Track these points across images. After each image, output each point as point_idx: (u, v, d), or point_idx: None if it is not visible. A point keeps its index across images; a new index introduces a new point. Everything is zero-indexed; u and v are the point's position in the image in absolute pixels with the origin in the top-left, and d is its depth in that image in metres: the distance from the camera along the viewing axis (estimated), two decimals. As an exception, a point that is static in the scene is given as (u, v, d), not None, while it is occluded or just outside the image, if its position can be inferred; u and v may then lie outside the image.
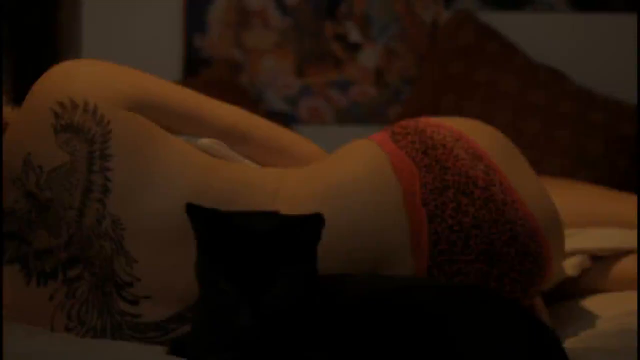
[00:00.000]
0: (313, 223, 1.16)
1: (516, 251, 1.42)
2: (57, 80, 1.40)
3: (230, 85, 2.83)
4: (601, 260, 1.85)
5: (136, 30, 2.92)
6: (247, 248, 1.14)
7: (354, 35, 2.92)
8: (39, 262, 1.39)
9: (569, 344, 1.41)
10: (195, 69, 2.91)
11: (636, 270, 1.77)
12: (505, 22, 2.87)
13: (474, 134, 1.51)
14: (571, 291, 1.81)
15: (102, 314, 1.37)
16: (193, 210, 1.17)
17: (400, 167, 1.43)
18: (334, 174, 1.44)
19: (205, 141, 1.47)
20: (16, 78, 2.73)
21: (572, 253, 1.81)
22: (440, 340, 1.17)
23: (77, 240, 1.36)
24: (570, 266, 1.80)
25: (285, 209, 1.27)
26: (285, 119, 2.83)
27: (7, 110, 1.51)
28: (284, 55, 2.92)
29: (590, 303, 1.72)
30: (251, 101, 2.80)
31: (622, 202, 2.09)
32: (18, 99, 1.55)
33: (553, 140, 2.61)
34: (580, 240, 1.86)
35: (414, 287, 1.27)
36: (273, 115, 2.57)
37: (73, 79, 1.40)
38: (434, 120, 1.53)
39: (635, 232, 1.87)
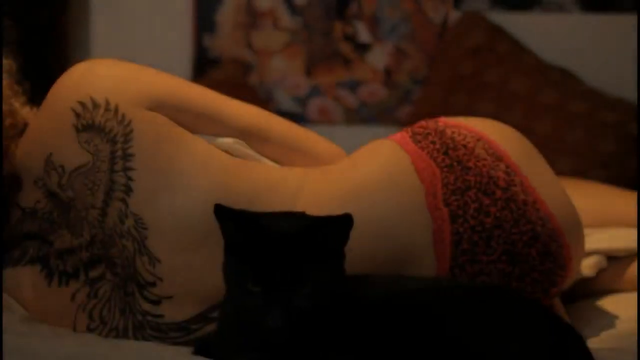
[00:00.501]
0: (341, 224, 1.16)
1: (537, 251, 1.42)
2: (77, 80, 1.40)
3: (239, 85, 2.82)
4: (617, 260, 1.85)
5: (145, 30, 2.92)
6: (275, 249, 1.14)
7: (364, 36, 2.92)
8: (61, 262, 1.39)
9: (591, 344, 1.41)
10: (204, 69, 2.91)
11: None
12: (514, 23, 2.87)
13: (493, 135, 1.51)
14: (587, 291, 1.81)
15: (124, 314, 1.37)
16: (221, 211, 1.16)
17: (422, 167, 1.43)
18: (356, 174, 1.44)
19: (225, 140, 1.47)
20: (24, 78, 2.73)
21: (588, 253, 1.81)
22: (466, 341, 1.17)
23: (99, 240, 1.36)
24: (587, 266, 1.80)
25: (306, 209, 1.27)
26: (295, 119, 2.82)
27: (26, 110, 1.51)
28: (293, 55, 2.92)
29: (608, 303, 1.72)
30: (260, 101, 2.80)
31: (634, 202, 2.09)
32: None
33: (564, 140, 2.61)
34: (595, 240, 1.86)
35: (437, 287, 1.28)
36: (282, 116, 2.56)
37: (93, 78, 1.40)
38: (454, 120, 1.53)
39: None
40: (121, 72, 1.42)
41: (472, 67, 2.76)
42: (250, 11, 2.91)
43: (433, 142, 1.47)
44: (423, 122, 1.54)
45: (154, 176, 1.35)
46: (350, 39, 2.92)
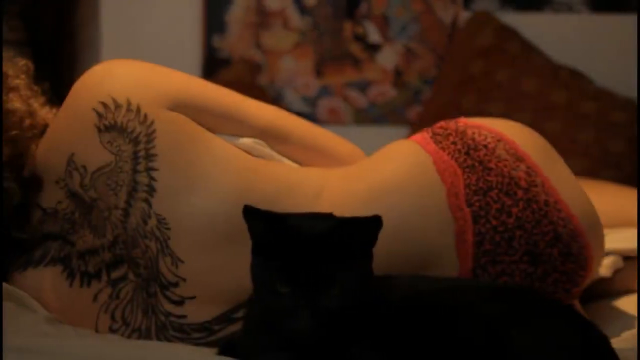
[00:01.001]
0: (370, 225, 1.16)
1: (559, 251, 1.42)
2: (97, 81, 1.40)
3: (249, 85, 2.82)
4: (633, 260, 1.85)
5: (155, 30, 2.92)
6: (303, 250, 1.13)
7: (373, 36, 2.92)
8: (82, 263, 1.39)
9: (613, 345, 1.41)
10: (214, 70, 2.90)
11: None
12: (523, 23, 2.87)
13: (513, 135, 1.51)
14: (604, 292, 1.81)
15: (147, 315, 1.36)
16: (249, 212, 1.16)
17: (443, 168, 1.43)
18: (377, 174, 1.44)
19: (245, 141, 1.47)
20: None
21: (605, 253, 1.81)
22: (493, 341, 1.17)
23: (122, 240, 1.36)
24: (603, 267, 1.79)
25: (328, 209, 1.27)
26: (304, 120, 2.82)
27: (45, 110, 1.51)
28: (303, 55, 2.91)
29: (625, 304, 1.72)
30: (270, 102, 2.79)
31: (645, 202, 2.09)
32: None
33: (575, 140, 2.61)
34: (611, 240, 1.86)
35: (462, 287, 1.27)
36: (292, 116, 2.56)
37: (114, 78, 1.40)
38: (473, 121, 1.53)
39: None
40: (141, 73, 1.43)
41: (482, 67, 2.76)
42: (260, 11, 2.91)
43: (454, 143, 1.46)
44: (443, 123, 1.53)
45: (177, 176, 1.34)
46: (360, 39, 2.92)
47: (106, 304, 1.38)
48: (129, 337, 1.35)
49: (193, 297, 1.35)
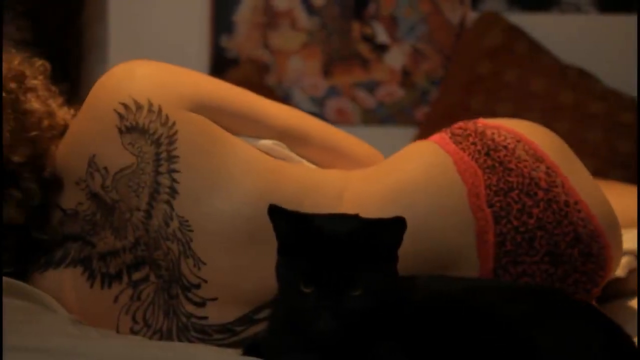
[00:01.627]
0: (395, 226, 1.16)
1: (579, 252, 1.42)
2: (117, 81, 1.40)
3: (257, 85, 2.81)
4: (647, 260, 1.85)
5: (162, 31, 2.92)
6: (328, 250, 1.13)
7: (381, 36, 2.92)
8: (103, 264, 1.39)
9: (634, 345, 1.41)
10: (222, 70, 2.90)
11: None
12: (531, 23, 2.88)
13: (532, 136, 1.51)
14: (618, 292, 1.81)
15: (168, 316, 1.36)
16: (274, 211, 1.16)
17: (464, 168, 1.43)
18: (397, 175, 1.44)
19: (265, 142, 1.47)
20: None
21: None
22: (517, 342, 1.17)
23: (143, 242, 1.36)
24: (619, 267, 1.80)
25: (350, 210, 1.27)
26: (312, 120, 2.83)
27: (64, 111, 1.51)
28: (311, 55, 2.92)
29: (641, 304, 1.72)
30: (278, 102, 2.79)
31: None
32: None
33: (583, 141, 2.62)
34: (625, 240, 1.86)
35: (485, 288, 1.28)
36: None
37: (134, 79, 1.40)
38: (492, 121, 1.53)
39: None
40: (162, 74, 1.42)
41: (490, 68, 2.76)
42: (268, 11, 2.91)
43: (474, 144, 1.46)
44: (461, 123, 1.53)
45: (199, 178, 1.34)
46: (368, 39, 2.92)
47: (127, 305, 1.37)
48: (150, 338, 1.35)
49: (215, 299, 1.35)
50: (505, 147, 1.46)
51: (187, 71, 1.48)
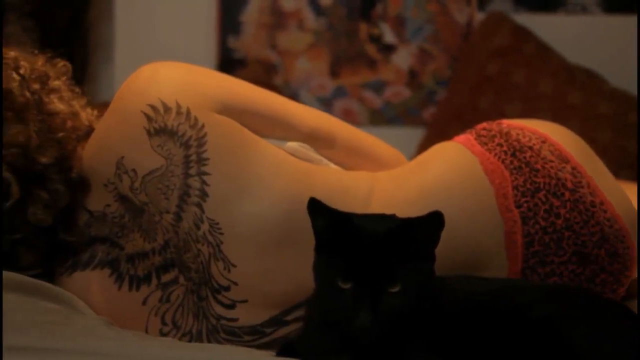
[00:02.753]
0: (433, 222, 1.16)
1: (606, 252, 1.43)
2: (144, 83, 1.39)
3: (264, 86, 2.79)
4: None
5: (169, 31, 2.91)
6: (367, 247, 1.13)
7: (388, 37, 2.92)
8: (132, 266, 1.38)
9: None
10: (229, 70, 2.89)
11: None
12: (537, 24, 2.88)
13: (556, 136, 1.51)
14: (634, 292, 1.82)
15: (198, 318, 1.36)
16: (314, 206, 1.16)
17: (491, 169, 1.44)
18: (425, 176, 1.44)
19: (292, 144, 1.46)
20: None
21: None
22: (551, 342, 1.17)
23: (173, 244, 1.35)
24: (636, 267, 1.80)
25: (379, 212, 1.27)
26: (319, 120, 2.82)
27: (88, 112, 1.50)
28: (318, 56, 2.92)
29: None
30: (287, 102, 2.79)
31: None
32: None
33: (593, 141, 2.60)
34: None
35: (517, 288, 1.28)
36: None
37: (161, 81, 1.39)
38: (516, 122, 1.54)
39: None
40: (188, 75, 1.42)
41: (498, 68, 2.77)
42: (275, 12, 2.90)
43: (500, 145, 1.47)
44: (485, 124, 1.54)
45: (229, 181, 1.34)
46: (375, 40, 2.92)
47: (156, 307, 1.37)
48: (179, 340, 1.35)
49: (245, 301, 1.35)
50: (530, 147, 1.47)
51: (212, 72, 1.48)
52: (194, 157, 1.34)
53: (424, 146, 2.75)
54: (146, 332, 1.36)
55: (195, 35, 2.91)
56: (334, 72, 2.92)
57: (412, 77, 2.93)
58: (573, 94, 2.70)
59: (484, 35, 2.84)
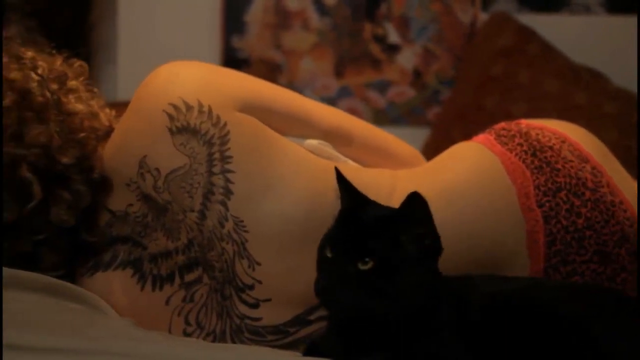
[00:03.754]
0: (413, 204, 1.19)
1: (626, 251, 1.44)
2: (164, 83, 1.38)
3: (269, 86, 2.81)
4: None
5: (173, 31, 2.90)
6: (356, 225, 1.19)
7: (392, 37, 2.92)
8: (154, 266, 1.38)
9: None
10: (233, 70, 2.89)
11: None
12: (541, 24, 2.89)
13: (575, 136, 1.52)
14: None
15: (221, 318, 1.35)
16: (339, 177, 1.23)
17: (512, 169, 1.44)
18: (447, 176, 1.44)
19: (311, 142, 1.46)
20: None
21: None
22: (582, 342, 1.18)
23: (197, 243, 1.35)
24: None
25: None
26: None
27: (106, 112, 1.50)
28: (322, 56, 2.91)
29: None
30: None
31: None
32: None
33: (598, 141, 2.63)
34: None
35: (542, 286, 1.28)
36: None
37: (181, 80, 1.38)
38: (534, 122, 1.54)
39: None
40: (208, 74, 1.42)
41: (503, 68, 2.77)
42: (279, 12, 2.90)
43: (520, 144, 1.47)
44: (504, 124, 1.54)
45: (253, 179, 1.34)
46: (380, 40, 2.92)
47: (179, 307, 1.37)
48: (203, 340, 1.35)
49: (268, 300, 1.35)
50: (550, 147, 1.47)
51: (231, 71, 1.47)
52: (217, 155, 1.34)
53: (428, 146, 2.75)
54: (169, 332, 1.36)
55: (199, 35, 2.91)
56: (338, 72, 2.92)
57: (416, 77, 2.93)
58: (578, 94, 2.70)
59: (488, 35, 2.84)
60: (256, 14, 2.90)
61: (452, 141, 2.57)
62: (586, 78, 2.74)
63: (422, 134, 2.87)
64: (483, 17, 2.91)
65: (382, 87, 2.94)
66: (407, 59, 2.92)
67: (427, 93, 2.94)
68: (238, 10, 2.90)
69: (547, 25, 2.88)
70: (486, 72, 2.79)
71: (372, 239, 1.17)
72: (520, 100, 2.71)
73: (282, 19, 2.91)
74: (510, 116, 2.49)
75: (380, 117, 2.94)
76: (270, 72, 2.90)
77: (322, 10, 2.91)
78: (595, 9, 2.92)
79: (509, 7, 2.91)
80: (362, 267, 1.16)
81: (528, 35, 2.81)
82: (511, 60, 2.77)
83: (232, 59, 2.90)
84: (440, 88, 2.94)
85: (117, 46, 2.90)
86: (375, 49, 2.92)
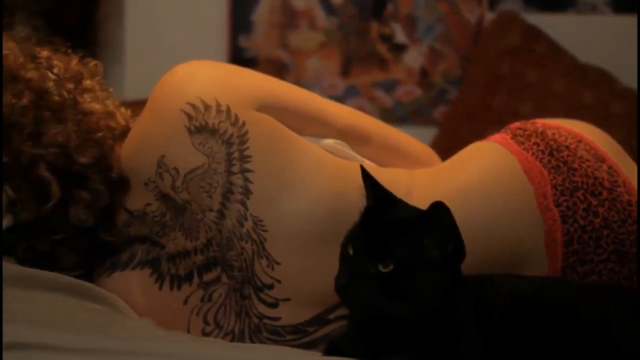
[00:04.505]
0: (438, 213, 1.19)
1: (643, 250, 1.44)
2: (181, 82, 1.38)
3: (275, 85, 2.81)
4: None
5: (180, 30, 2.90)
6: (378, 225, 1.19)
7: (399, 36, 2.92)
8: (173, 266, 1.38)
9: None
10: (240, 70, 2.89)
11: None
12: (547, 24, 2.89)
13: (591, 136, 1.52)
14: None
15: (240, 317, 1.35)
16: (364, 174, 1.23)
17: (529, 168, 1.44)
18: (465, 175, 1.44)
19: (327, 141, 1.46)
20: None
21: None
22: (603, 340, 1.18)
23: (216, 242, 1.35)
24: None
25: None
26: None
27: (122, 111, 1.50)
28: (329, 55, 2.92)
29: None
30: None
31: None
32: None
33: (606, 140, 2.63)
34: None
35: (563, 286, 1.28)
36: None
37: (198, 80, 1.38)
38: (550, 121, 1.55)
39: None
40: (225, 74, 1.42)
41: (510, 68, 2.77)
42: (286, 11, 2.90)
43: (536, 144, 1.47)
44: (519, 124, 1.55)
45: (272, 178, 1.34)
46: (386, 39, 2.92)
47: (198, 306, 1.37)
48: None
49: (287, 299, 1.35)
50: (567, 147, 1.47)
51: (248, 71, 1.47)
52: (236, 155, 1.34)
53: (435, 145, 2.74)
54: (188, 332, 1.36)
55: (205, 35, 2.91)
56: (345, 72, 2.92)
57: (423, 77, 2.93)
58: (586, 93, 2.71)
59: (495, 34, 2.84)
60: (263, 13, 2.90)
61: (459, 141, 2.57)
62: (593, 77, 2.75)
63: (429, 133, 2.87)
64: (490, 16, 2.91)
65: (389, 86, 2.94)
66: (414, 58, 2.93)
67: (434, 92, 2.94)
68: (245, 10, 2.90)
69: (553, 25, 2.89)
70: (493, 72, 2.79)
71: (395, 241, 1.18)
72: (527, 99, 2.72)
73: (289, 18, 2.91)
74: (517, 115, 2.50)
75: (387, 117, 2.94)
76: (277, 71, 2.90)
77: (329, 9, 2.91)
78: (601, 8, 2.92)
79: (515, 6, 2.91)
80: (383, 269, 1.17)
81: (535, 34, 2.81)
82: (518, 59, 2.78)
83: (239, 59, 2.90)
84: (446, 87, 2.94)
85: (123, 45, 2.90)
86: (382, 49, 2.92)
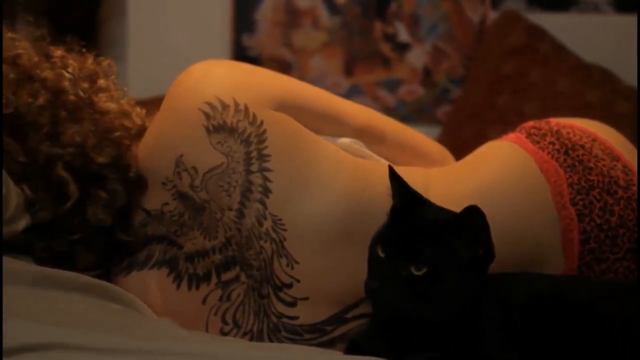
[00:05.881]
0: (471, 217, 1.19)
1: (659, 249, 1.44)
2: (198, 81, 1.38)
3: (279, 84, 2.81)
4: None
5: (183, 29, 2.90)
6: (410, 227, 1.18)
7: (403, 35, 2.92)
8: (191, 265, 1.37)
9: None
10: (243, 69, 2.89)
11: None
12: (550, 23, 2.89)
13: (604, 135, 1.53)
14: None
15: (259, 317, 1.35)
16: (391, 174, 1.23)
17: (546, 167, 1.44)
18: (481, 175, 1.44)
19: (344, 140, 1.47)
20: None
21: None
22: (622, 339, 1.18)
23: (235, 242, 1.35)
24: None
25: (437, 208, 1.28)
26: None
27: (137, 111, 1.49)
28: (332, 54, 2.91)
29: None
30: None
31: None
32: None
33: (611, 140, 2.63)
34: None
35: (582, 285, 1.29)
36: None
37: (215, 79, 1.38)
38: (564, 120, 1.55)
39: None
40: (241, 73, 1.42)
41: (514, 67, 2.78)
42: (290, 10, 2.90)
43: (552, 143, 1.48)
44: (533, 123, 1.55)
45: (291, 177, 1.34)
46: (390, 38, 2.92)
47: (216, 306, 1.36)
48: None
49: (306, 298, 1.35)
50: (582, 146, 1.48)
51: (264, 70, 1.47)
52: (254, 154, 1.34)
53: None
54: (206, 331, 1.36)
55: (209, 33, 2.90)
56: (349, 71, 2.92)
57: (426, 76, 2.94)
58: (590, 92, 2.71)
59: (498, 34, 2.85)
60: (266, 12, 2.90)
61: (463, 140, 2.58)
62: (597, 77, 2.75)
63: (432, 132, 2.87)
64: (493, 15, 2.91)
65: (392, 85, 2.94)
66: (417, 57, 2.93)
67: (437, 92, 2.95)
68: (248, 9, 2.89)
69: (556, 24, 2.89)
70: (497, 71, 2.80)
71: (427, 243, 1.17)
72: (531, 99, 2.72)
73: (292, 17, 2.90)
74: (521, 115, 2.50)
75: (390, 116, 2.91)
76: (281, 70, 2.88)
77: (332, 8, 2.91)
78: (603, 7, 2.93)
79: (518, 5, 2.91)
80: (415, 271, 1.16)
81: (538, 33, 2.82)
82: (522, 58, 2.78)
83: (242, 58, 2.89)
84: (450, 87, 2.94)
85: (126, 44, 2.89)
86: (385, 48, 2.92)
